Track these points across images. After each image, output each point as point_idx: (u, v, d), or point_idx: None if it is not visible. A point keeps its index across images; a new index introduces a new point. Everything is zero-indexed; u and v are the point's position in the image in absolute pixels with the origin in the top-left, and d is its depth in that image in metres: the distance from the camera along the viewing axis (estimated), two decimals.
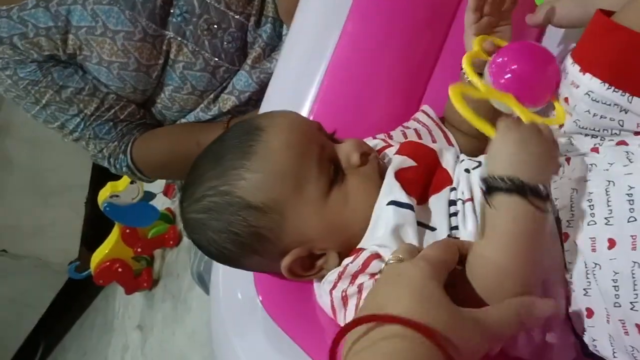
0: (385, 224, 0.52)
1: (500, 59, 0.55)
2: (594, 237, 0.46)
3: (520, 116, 0.52)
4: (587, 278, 0.46)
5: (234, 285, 0.66)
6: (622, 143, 0.50)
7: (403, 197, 0.53)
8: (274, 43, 1.07)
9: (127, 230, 2.02)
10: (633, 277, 0.43)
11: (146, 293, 2.15)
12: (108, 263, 2.01)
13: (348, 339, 0.39)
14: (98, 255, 2.03)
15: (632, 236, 0.43)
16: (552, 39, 0.71)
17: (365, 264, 0.51)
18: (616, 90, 0.48)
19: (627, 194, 0.45)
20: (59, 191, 2.34)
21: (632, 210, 0.44)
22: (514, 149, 0.45)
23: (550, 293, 0.48)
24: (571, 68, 0.52)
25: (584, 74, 0.50)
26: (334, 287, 0.53)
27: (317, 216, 0.54)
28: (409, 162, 0.57)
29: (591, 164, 0.49)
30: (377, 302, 0.41)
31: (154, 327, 1.99)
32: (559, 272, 0.48)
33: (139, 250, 2.08)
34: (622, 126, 0.50)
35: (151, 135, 1.10)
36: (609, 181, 0.47)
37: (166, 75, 1.04)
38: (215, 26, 1.02)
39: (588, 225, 0.47)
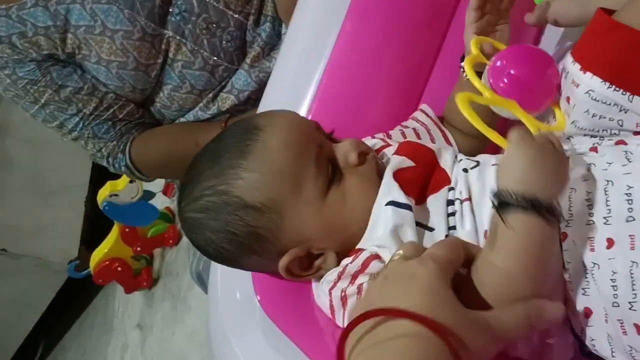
0: (384, 224, 0.52)
1: (499, 63, 0.55)
2: (593, 237, 0.46)
3: (525, 123, 0.52)
4: (586, 278, 0.46)
5: (232, 285, 0.66)
6: (621, 142, 0.49)
7: (401, 198, 0.53)
8: (273, 42, 1.06)
9: (127, 230, 2.02)
10: (632, 277, 0.43)
11: (146, 292, 2.15)
12: (107, 262, 2.01)
13: (354, 334, 0.39)
14: (97, 255, 2.03)
15: (630, 236, 0.43)
16: (551, 38, 0.71)
17: (365, 265, 0.51)
18: (617, 89, 0.47)
19: (626, 194, 0.45)
20: (59, 191, 2.35)
21: (630, 210, 0.44)
22: (529, 165, 0.44)
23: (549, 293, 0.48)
24: (571, 67, 0.51)
25: (584, 73, 0.49)
26: (334, 286, 0.53)
27: (315, 216, 0.54)
28: (408, 163, 0.57)
29: (590, 164, 0.49)
30: (385, 299, 0.40)
31: (154, 326, 1.99)
32: (557, 272, 0.48)
33: (139, 249, 2.08)
34: (622, 126, 0.49)
35: (150, 135, 1.09)
36: (607, 181, 0.46)
37: (165, 74, 1.04)
38: (214, 25, 1.02)
39: (587, 225, 0.46)
